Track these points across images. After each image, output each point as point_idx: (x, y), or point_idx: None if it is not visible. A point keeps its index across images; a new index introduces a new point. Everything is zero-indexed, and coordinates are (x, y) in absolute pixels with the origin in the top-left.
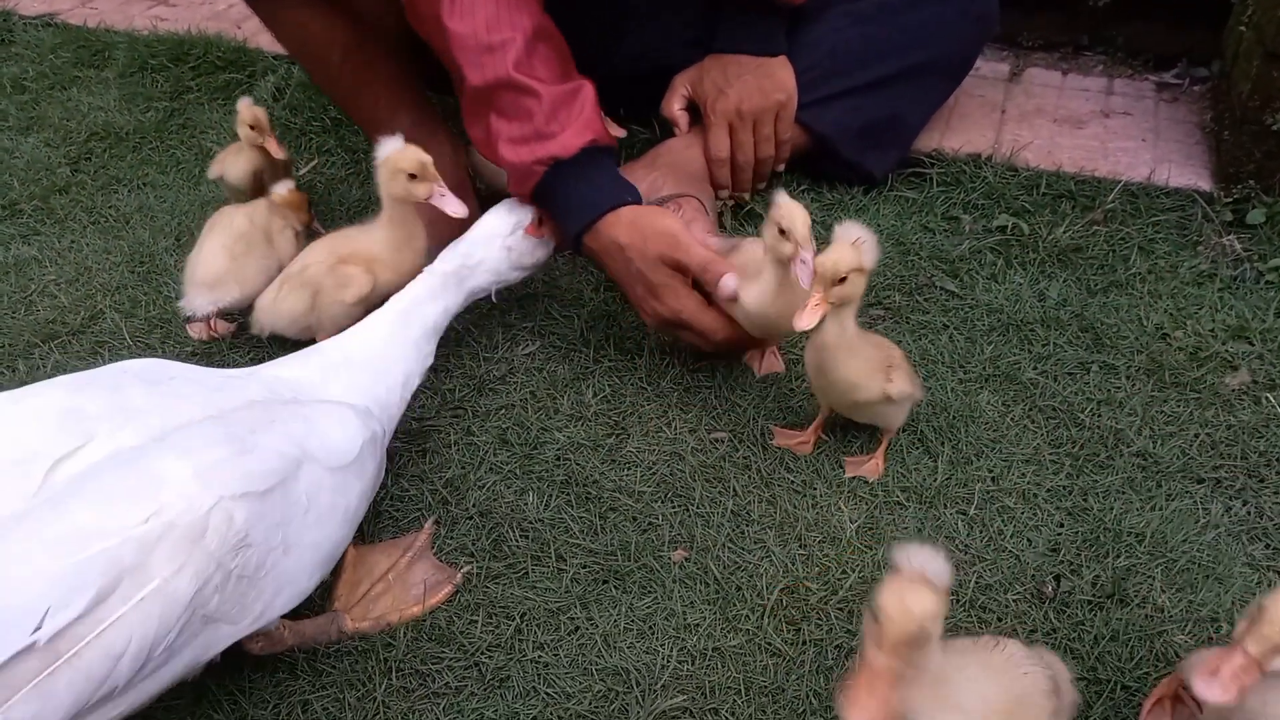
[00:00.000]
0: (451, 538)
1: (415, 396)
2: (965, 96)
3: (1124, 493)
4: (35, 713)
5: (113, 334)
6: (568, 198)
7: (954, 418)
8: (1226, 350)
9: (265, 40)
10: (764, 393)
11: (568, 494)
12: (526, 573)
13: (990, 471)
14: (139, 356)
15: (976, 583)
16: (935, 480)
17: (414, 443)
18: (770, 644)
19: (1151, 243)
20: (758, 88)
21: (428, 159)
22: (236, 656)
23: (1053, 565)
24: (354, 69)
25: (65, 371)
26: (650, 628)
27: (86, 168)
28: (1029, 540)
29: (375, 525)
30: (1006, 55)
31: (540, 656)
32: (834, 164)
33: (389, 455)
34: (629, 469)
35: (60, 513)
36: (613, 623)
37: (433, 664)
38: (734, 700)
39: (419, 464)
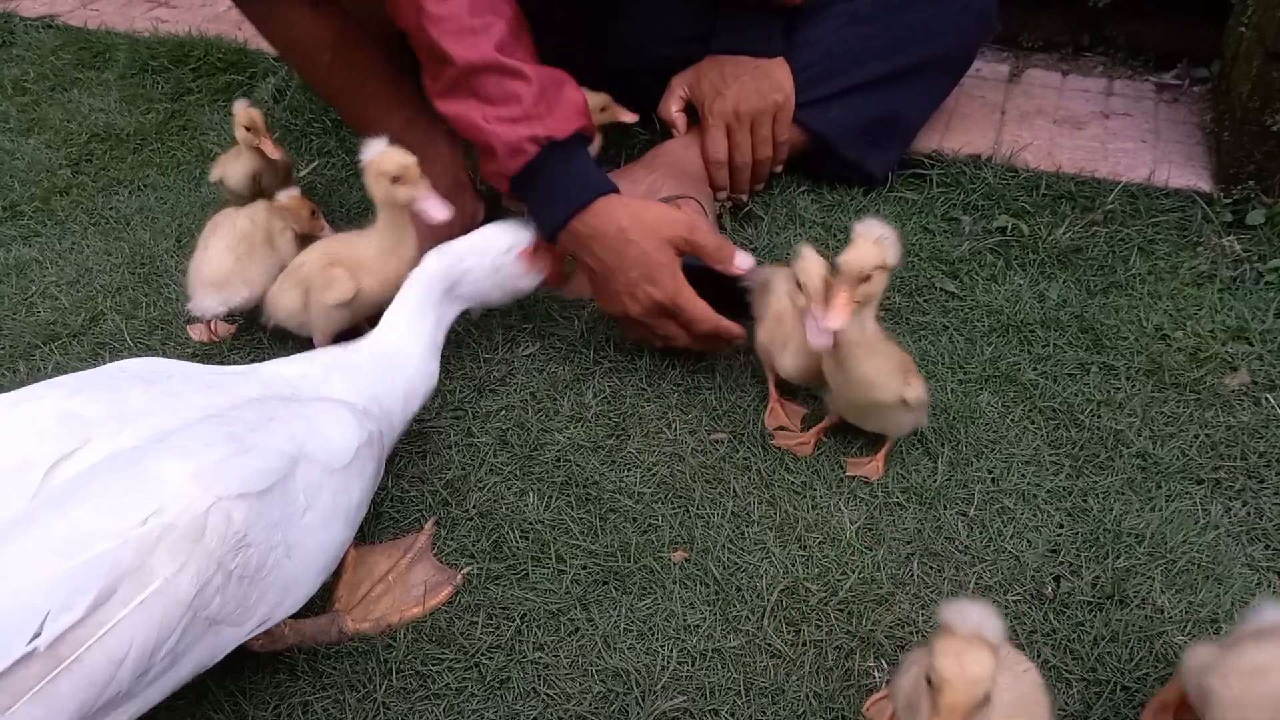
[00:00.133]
0: (452, 539)
1: None
2: (965, 97)
3: (1124, 493)
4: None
5: (113, 335)
6: (557, 180)
7: (954, 418)
8: (1226, 351)
9: (266, 42)
10: (763, 394)
11: (568, 495)
12: (527, 574)
13: (990, 472)
14: (139, 357)
15: (976, 583)
16: (935, 481)
17: (414, 444)
18: (770, 645)
19: (1151, 244)
20: (755, 89)
21: (411, 161)
22: (237, 657)
23: (1052, 566)
24: (345, 67)
25: (66, 373)
26: (650, 629)
27: (87, 169)
28: (1029, 541)
29: (375, 526)
30: (1006, 56)
31: (540, 657)
32: (834, 164)
33: (389, 456)
34: (629, 470)
35: (59, 515)
36: (613, 624)
37: (433, 665)
38: (734, 701)
39: (419, 465)
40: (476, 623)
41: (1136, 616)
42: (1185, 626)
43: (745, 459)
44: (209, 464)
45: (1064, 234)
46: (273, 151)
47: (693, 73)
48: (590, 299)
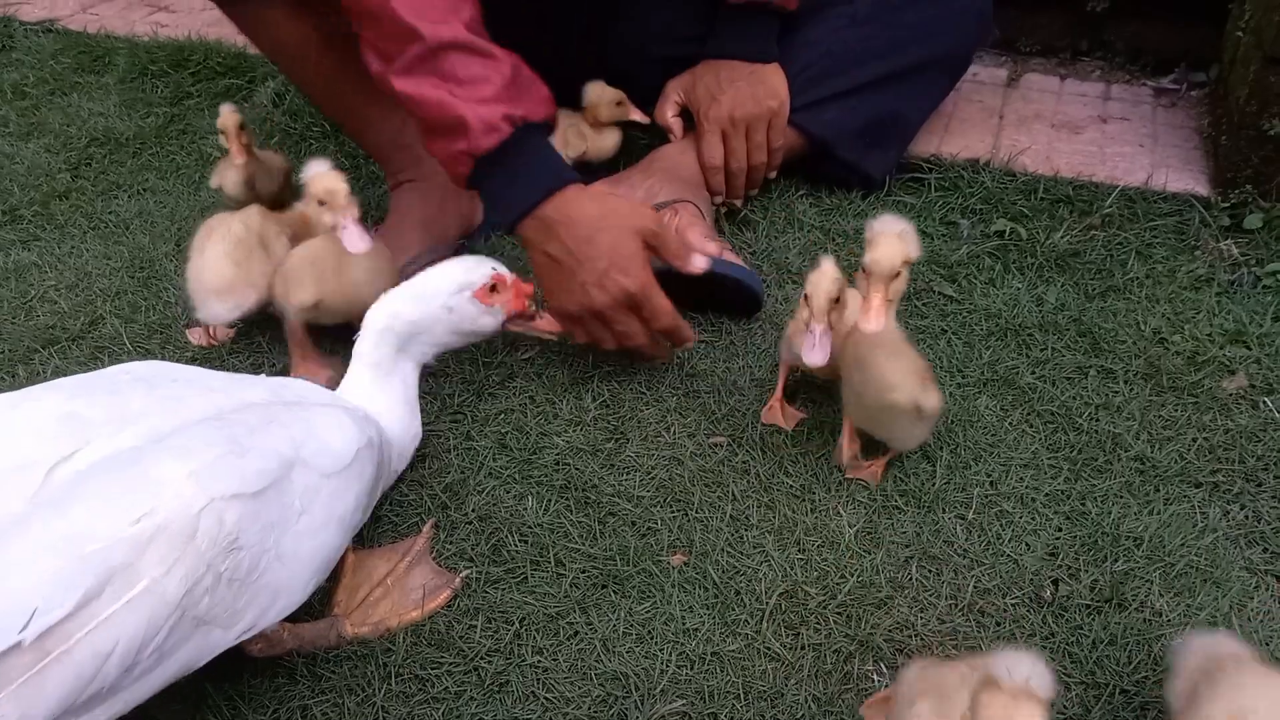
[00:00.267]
0: (450, 542)
1: None
2: (963, 102)
3: (1122, 497)
4: (23, 710)
5: (113, 339)
6: (529, 163)
7: (952, 422)
8: (1224, 355)
9: None
10: (762, 398)
11: (567, 499)
12: (525, 577)
13: (988, 476)
14: (139, 361)
15: (975, 587)
16: (934, 484)
17: None
18: (769, 648)
19: (1149, 248)
20: (750, 95)
21: (339, 187)
22: (236, 661)
23: (1051, 569)
24: (336, 68)
25: (65, 376)
26: (649, 632)
27: (87, 173)
28: (1027, 544)
29: (374, 530)
30: (1004, 60)
31: (539, 661)
32: (833, 166)
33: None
34: (628, 474)
35: (57, 514)
36: (611, 627)
37: (432, 669)
38: (733, 705)
39: (418, 469)
40: (475, 626)
41: (1135, 619)
42: (1184, 629)
43: (744, 462)
44: (205, 465)
45: (1062, 238)
46: (237, 154)
47: (688, 78)
48: (564, 336)
